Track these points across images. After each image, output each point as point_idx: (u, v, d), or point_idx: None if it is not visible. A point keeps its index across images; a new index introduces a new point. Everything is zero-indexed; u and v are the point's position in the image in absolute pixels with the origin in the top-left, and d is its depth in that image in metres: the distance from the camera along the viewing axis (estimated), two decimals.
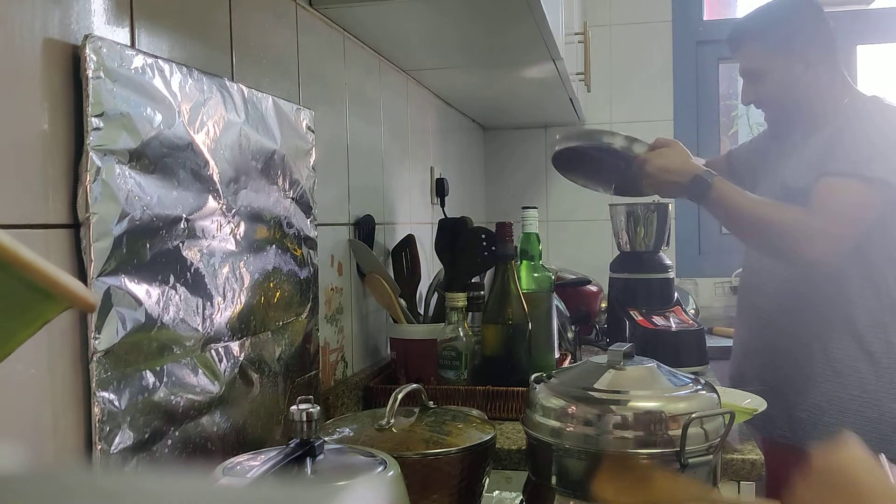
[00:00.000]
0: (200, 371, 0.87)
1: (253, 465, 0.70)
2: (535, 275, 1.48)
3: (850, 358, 1.55)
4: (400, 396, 0.91)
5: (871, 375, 1.54)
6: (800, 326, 1.61)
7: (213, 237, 0.90)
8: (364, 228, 1.49)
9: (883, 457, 0.60)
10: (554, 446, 0.81)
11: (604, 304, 2.08)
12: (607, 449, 0.78)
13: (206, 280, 0.88)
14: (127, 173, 0.74)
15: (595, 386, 0.82)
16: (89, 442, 0.71)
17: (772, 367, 1.64)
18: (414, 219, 1.89)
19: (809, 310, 1.59)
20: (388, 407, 0.90)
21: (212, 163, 0.90)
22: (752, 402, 1.31)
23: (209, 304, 0.89)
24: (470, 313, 1.43)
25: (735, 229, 1.61)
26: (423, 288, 1.65)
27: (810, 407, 1.57)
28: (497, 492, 1.10)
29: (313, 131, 1.19)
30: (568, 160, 1.74)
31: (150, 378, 0.77)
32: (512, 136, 2.87)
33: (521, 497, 0.90)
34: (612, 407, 0.79)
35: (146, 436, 0.76)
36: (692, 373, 0.95)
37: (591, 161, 1.71)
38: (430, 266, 1.79)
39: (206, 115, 0.89)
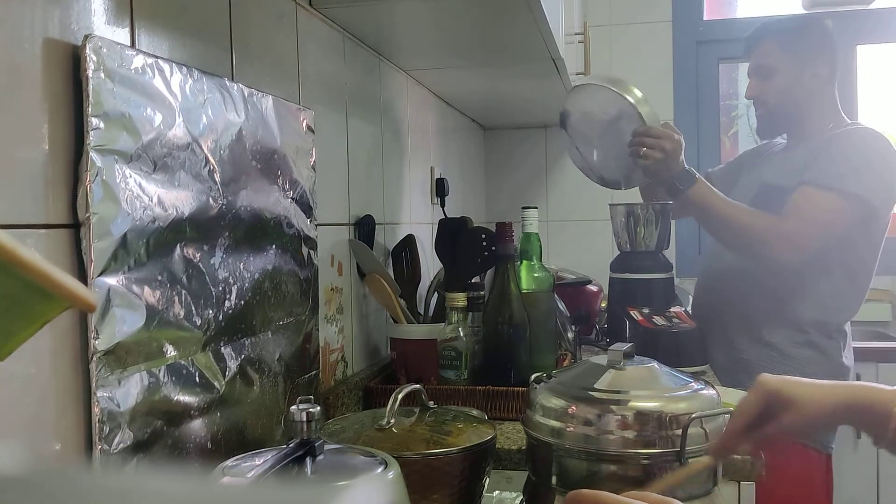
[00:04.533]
0: (200, 371, 0.87)
1: (253, 465, 0.70)
2: (536, 275, 1.48)
3: (796, 345, 1.71)
4: (400, 396, 0.91)
5: (815, 360, 1.71)
6: (751, 312, 1.77)
7: (213, 237, 0.90)
8: (364, 228, 1.49)
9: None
10: (554, 446, 0.81)
11: (604, 304, 2.08)
12: (607, 449, 0.78)
13: (205, 280, 0.88)
14: (127, 173, 0.74)
15: (595, 386, 0.82)
16: (89, 442, 0.71)
17: (726, 348, 1.79)
18: (414, 219, 1.89)
19: (762, 299, 1.75)
20: (389, 407, 0.90)
21: (212, 163, 0.90)
22: None
23: (209, 304, 0.89)
24: (470, 313, 1.43)
25: (708, 227, 1.75)
26: (423, 288, 1.65)
27: None
28: (497, 492, 1.10)
29: (313, 131, 1.19)
30: (580, 106, 1.78)
31: (149, 378, 0.77)
32: (512, 136, 2.87)
33: (522, 497, 0.90)
34: (612, 407, 0.79)
35: (146, 436, 0.76)
36: (692, 373, 0.95)
37: (594, 117, 1.76)
38: (430, 266, 1.79)
39: (206, 115, 0.89)
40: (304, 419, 0.71)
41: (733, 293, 1.80)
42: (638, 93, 1.66)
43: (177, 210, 0.82)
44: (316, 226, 1.19)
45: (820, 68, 1.76)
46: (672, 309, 1.82)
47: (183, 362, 0.83)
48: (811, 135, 1.77)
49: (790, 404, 0.76)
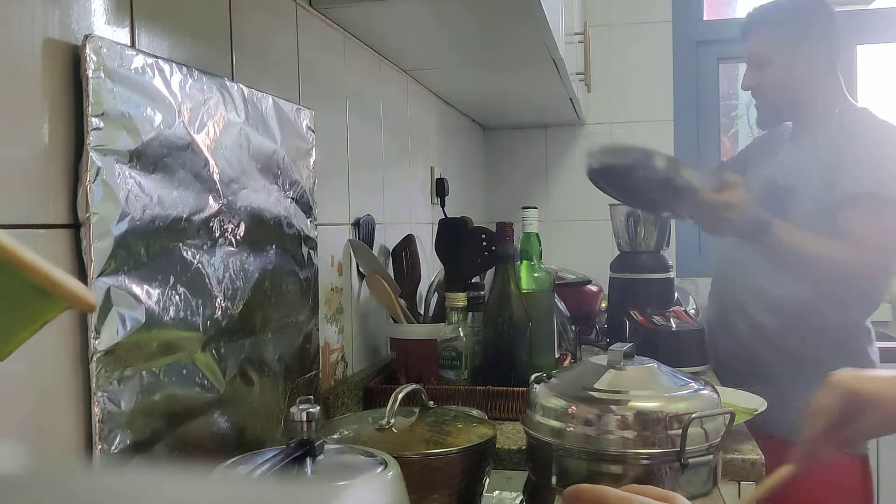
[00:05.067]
0: (200, 371, 0.87)
1: (253, 465, 0.70)
2: (536, 275, 1.48)
3: (833, 356, 1.60)
4: (400, 396, 0.91)
5: (837, 358, 1.58)
6: (767, 313, 1.69)
7: (213, 237, 0.90)
8: (364, 228, 1.49)
9: None
10: (554, 446, 0.81)
11: (604, 304, 2.08)
12: (607, 449, 0.78)
13: (206, 280, 0.88)
14: (127, 173, 0.74)
15: (595, 386, 0.82)
16: (89, 442, 0.71)
17: (758, 362, 1.70)
18: (414, 219, 1.89)
19: (779, 301, 1.67)
20: (389, 407, 0.90)
21: (212, 163, 0.90)
22: (753, 402, 1.31)
23: (209, 304, 0.88)
24: (470, 313, 1.43)
25: (789, 268, 1.60)
26: (423, 288, 1.65)
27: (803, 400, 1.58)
28: (497, 492, 1.09)
29: (313, 131, 1.19)
30: (607, 170, 1.64)
31: (150, 378, 0.77)
32: (512, 135, 2.87)
33: (522, 497, 0.90)
34: (612, 407, 0.79)
35: (146, 436, 0.76)
36: (692, 373, 0.95)
37: (627, 174, 1.62)
38: (430, 266, 1.79)
39: (206, 115, 0.89)
40: (304, 419, 0.71)
41: (746, 295, 1.73)
42: (666, 156, 1.49)
43: (177, 210, 0.82)
44: (316, 226, 1.19)
45: (819, 52, 1.68)
46: (672, 308, 1.82)
47: (183, 362, 0.83)
48: (816, 123, 1.69)
49: (872, 402, 0.73)
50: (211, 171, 0.90)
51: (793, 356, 1.66)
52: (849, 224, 1.55)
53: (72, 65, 0.71)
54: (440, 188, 2.04)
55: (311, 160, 1.18)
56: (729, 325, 1.76)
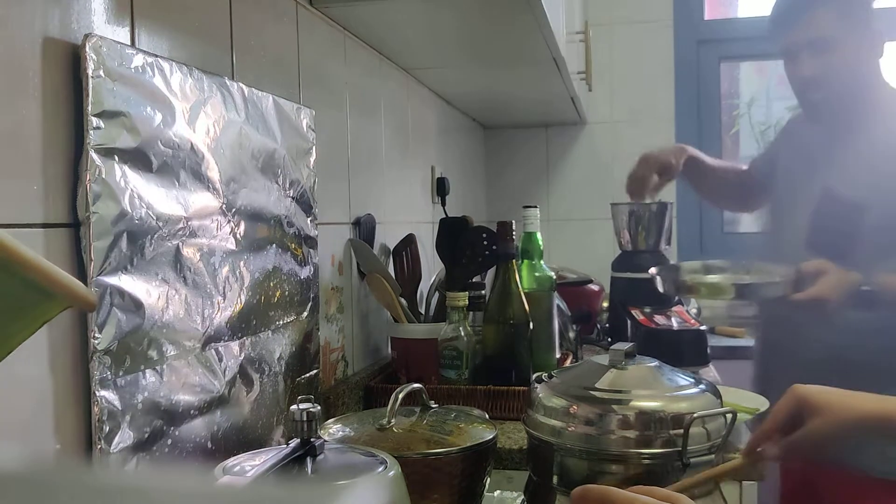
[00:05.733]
0: (200, 371, 0.86)
1: (253, 465, 0.70)
2: (537, 274, 1.48)
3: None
4: (401, 396, 0.90)
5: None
6: (871, 349, 1.44)
7: (213, 237, 0.90)
8: (364, 228, 1.49)
9: None
10: (555, 446, 0.81)
11: (605, 304, 2.08)
12: (609, 449, 0.78)
13: (206, 280, 0.88)
14: (127, 172, 0.74)
15: (596, 385, 0.82)
16: (89, 442, 0.71)
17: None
18: (414, 218, 1.89)
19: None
20: (389, 406, 0.90)
21: (212, 162, 0.90)
22: (754, 402, 1.31)
23: (209, 303, 0.88)
24: (471, 313, 1.42)
25: None
26: (423, 287, 1.65)
27: None
28: (498, 491, 1.09)
29: (314, 130, 1.19)
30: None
31: (150, 378, 0.77)
32: (513, 135, 2.87)
33: (523, 497, 0.90)
34: (613, 406, 0.79)
35: (146, 436, 0.76)
36: (694, 372, 0.94)
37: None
38: (430, 265, 1.79)
39: (206, 114, 0.89)
40: (305, 419, 0.71)
41: (823, 325, 1.47)
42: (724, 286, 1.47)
43: (177, 209, 0.82)
44: (316, 225, 1.19)
45: (879, 34, 1.48)
46: (673, 308, 1.82)
47: (183, 362, 0.83)
48: (866, 115, 1.49)
49: (818, 410, 0.77)
50: (211, 170, 0.89)
51: (866, 380, 1.48)
52: None
53: (72, 64, 0.71)
54: (441, 187, 2.03)
55: (312, 159, 1.18)
56: (807, 354, 1.52)
